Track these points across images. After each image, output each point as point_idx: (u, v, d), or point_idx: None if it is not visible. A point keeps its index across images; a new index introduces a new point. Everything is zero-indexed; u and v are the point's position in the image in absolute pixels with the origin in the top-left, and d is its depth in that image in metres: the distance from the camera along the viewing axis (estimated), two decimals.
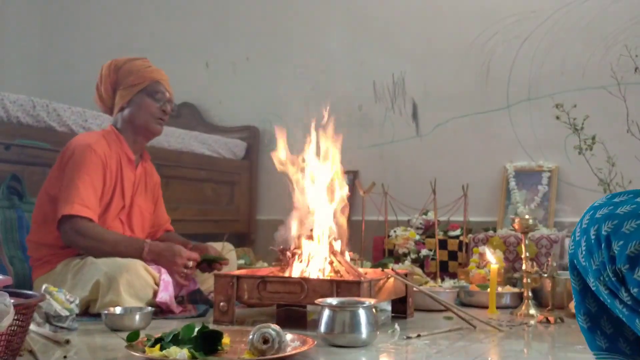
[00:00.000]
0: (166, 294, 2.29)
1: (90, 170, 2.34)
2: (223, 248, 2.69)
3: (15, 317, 1.33)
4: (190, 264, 2.37)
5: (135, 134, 2.55)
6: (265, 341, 1.54)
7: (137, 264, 2.27)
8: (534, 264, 3.00)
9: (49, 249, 2.39)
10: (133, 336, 1.66)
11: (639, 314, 0.98)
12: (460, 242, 3.35)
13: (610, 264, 0.98)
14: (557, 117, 3.04)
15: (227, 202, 4.08)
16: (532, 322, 2.30)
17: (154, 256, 2.33)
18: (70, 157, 2.36)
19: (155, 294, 2.28)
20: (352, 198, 3.95)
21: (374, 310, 1.86)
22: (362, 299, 1.90)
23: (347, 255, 2.31)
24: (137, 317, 2.01)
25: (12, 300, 1.31)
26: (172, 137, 3.68)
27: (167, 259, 2.33)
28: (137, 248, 2.33)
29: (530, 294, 2.49)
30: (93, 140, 2.43)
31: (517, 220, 2.52)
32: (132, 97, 2.52)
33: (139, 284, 2.24)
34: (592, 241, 1.01)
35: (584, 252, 1.03)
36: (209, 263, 2.52)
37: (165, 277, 2.32)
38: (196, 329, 1.61)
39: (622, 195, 1.03)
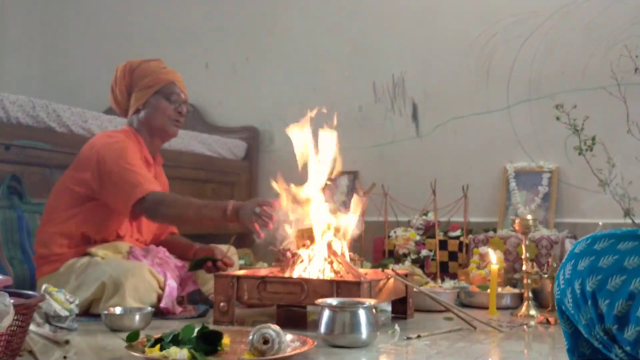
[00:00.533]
0: (169, 300, 2.28)
1: (134, 158, 2.36)
2: (228, 250, 2.69)
3: (15, 318, 1.33)
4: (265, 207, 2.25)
5: (152, 135, 2.54)
6: (265, 341, 1.53)
7: (143, 268, 2.26)
8: (534, 264, 3.00)
9: (57, 243, 2.35)
10: (133, 336, 1.66)
11: None
12: (461, 243, 3.35)
13: (599, 322, 0.97)
14: (558, 118, 3.04)
15: None
16: (532, 323, 2.30)
17: (234, 213, 2.23)
18: (106, 154, 2.35)
19: (159, 298, 2.27)
20: (351, 199, 3.94)
21: (374, 310, 1.86)
22: (362, 300, 1.90)
23: (347, 256, 2.30)
24: (137, 317, 2.01)
25: (12, 301, 1.31)
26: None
27: (248, 210, 2.21)
28: (221, 208, 2.26)
29: (530, 294, 2.49)
30: (122, 136, 2.45)
31: (517, 220, 2.52)
32: (147, 99, 2.51)
33: (144, 287, 2.23)
34: (578, 295, 0.99)
35: (571, 304, 1.01)
36: (214, 263, 2.50)
37: (171, 282, 2.31)
38: (196, 330, 1.61)
39: (603, 240, 1.01)
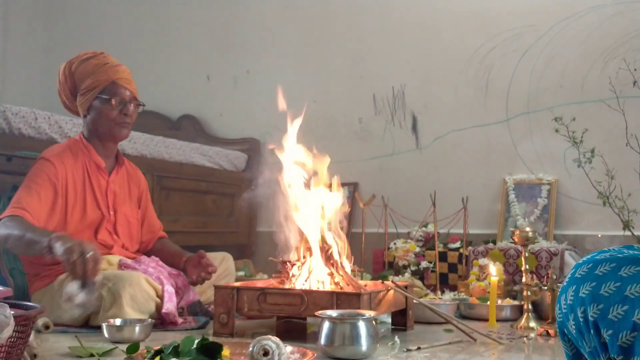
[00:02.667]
0: (171, 305, 2.28)
1: (38, 180, 2.28)
2: (223, 259, 2.70)
3: (15, 329, 1.33)
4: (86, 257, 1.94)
5: (101, 140, 2.48)
6: (265, 353, 1.54)
7: (140, 277, 2.25)
8: (534, 276, 3.00)
9: (42, 265, 2.33)
10: (133, 348, 1.66)
11: None
12: (460, 255, 3.35)
13: (603, 352, 0.96)
14: (556, 130, 3.04)
15: (228, 213, 4.09)
16: (532, 335, 2.30)
17: (55, 244, 1.97)
18: (33, 165, 2.35)
19: (157, 306, 2.27)
20: (352, 210, 3.95)
21: (374, 322, 1.86)
22: (362, 311, 1.90)
23: (348, 267, 2.31)
24: (137, 328, 2.01)
25: (12, 312, 1.31)
26: (172, 149, 3.69)
27: (70, 246, 1.94)
28: (45, 235, 2.03)
29: (530, 306, 2.49)
30: (55, 152, 2.38)
31: (517, 232, 2.53)
32: (90, 104, 2.43)
33: (142, 297, 2.23)
34: (581, 323, 0.98)
35: (574, 329, 1.01)
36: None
37: (169, 287, 2.30)
38: (196, 341, 1.61)
39: (605, 265, 0.99)
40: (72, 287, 1.92)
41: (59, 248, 1.95)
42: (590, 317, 0.96)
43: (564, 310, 1.03)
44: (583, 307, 0.98)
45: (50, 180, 2.32)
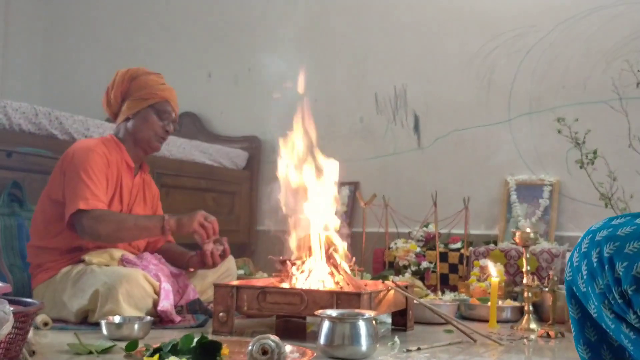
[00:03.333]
0: (167, 302, 2.28)
1: (95, 168, 2.36)
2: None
3: (14, 325, 1.33)
4: (210, 219, 2.42)
5: (136, 146, 2.56)
6: (265, 352, 1.53)
7: (138, 274, 2.26)
8: (535, 277, 2.99)
9: (50, 255, 2.37)
10: (132, 346, 1.65)
11: None
12: (461, 255, 3.34)
13: (616, 285, 0.96)
14: (559, 131, 3.04)
15: (228, 212, 4.08)
16: (532, 336, 2.29)
17: (174, 222, 2.36)
18: (71, 160, 2.37)
19: (154, 303, 2.27)
20: (352, 209, 3.95)
21: (374, 322, 1.85)
22: (362, 311, 1.90)
23: (347, 267, 2.30)
24: (136, 326, 2.00)
25: (11, 308, 1.31)
26: (173, 147, 3.69)
27: (192, 217, 2.39)
28: (158, 218, 2.39)
29: (531, 308, 2.48)
30: (93, 143, 2.46)
31: (518, 233, 2.52)
32: (139, 110, 2.53)
33: (139, 293, 2.23)
34: (595, 264, 0.99)
35: (585, 277, 1.01)
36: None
37: (166, 285, 2.31)
38: (195, 339, 1.61)
39: (620, 218, 1.02)
40: (209, 245, 2.44)
41: (186, 223, 2.38)
42: (606, 254, 0.97)
43: (575, 264, 1.03)
44: (598, 248, 0.99)
45: (105, 169, 2.41)
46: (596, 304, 1.01)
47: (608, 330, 1.02)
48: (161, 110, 2.55)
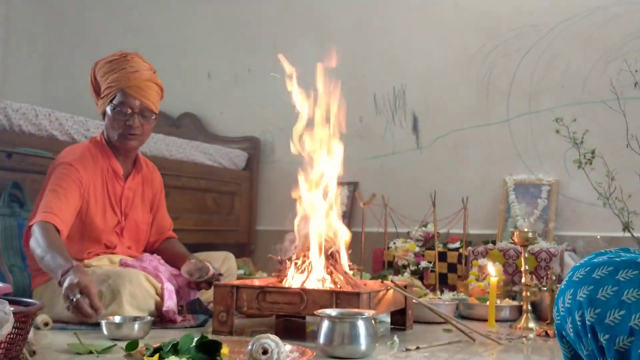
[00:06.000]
0: (171, 302, 2.28)
1: (64, 184, 2.25)
2: (225, 259, 2.70)
3: (15, 325, 1.33)
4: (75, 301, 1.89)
5: (114, 147, 2.45)
6: (265, 352, 1.54)
7: (140, 275, 2.25)
8: (533, 277, 3.00)
9: None
10: (132, 345, 1.66)
11: None
12: (460, 255, 3.35)
13: (601, 355, 0.96)
14: (557, 131, 3.05)
15: (228, 212, 4.09)
16: (531, 335, 2.30)
17: (64, 280, 1.94)
18: (52, 172, 2.32)
19: (156, 304, 2.27)
20: (352, 209, 3.95)
21: (373, 321, 1.86)
22: (362, 311, 1.90)
23: (347, 267, 2.31)
24: (136, 326, 2.01)
25: (11, 308, 1.31)
26: (173, 147, 3.70)
27: (68, 286, 1.91)
28: (60, 266, 1.99)
29: (529, 307, 2.49)
30: (77, 156, 2.34)
31: (516, 233, 2.53)
32: (104, 110, 2.40)
33: (141, 294, 2.22)
34: (579, 326, 0.99)
35: (572, 332, 1.01)
36: (208, 283, 2.41)
37: (168, 285, 2.30)
38: (195, 339, 1.61)
39: (602, 268, 0.99)
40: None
41: (63, 285, 1.93)
42: (587, 321, 0.96)
43: (562, 313, 1.03)
44: (581, 311, 0.98)
45: (76, 184, 2.29)
46: None
47: None
48: (117, 105, 2.34)
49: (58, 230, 2.16)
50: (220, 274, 2.40)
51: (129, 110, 2.37)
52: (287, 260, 2.29)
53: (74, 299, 1.86)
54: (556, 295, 1.06)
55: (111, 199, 2.44)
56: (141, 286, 2.23)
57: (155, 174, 2.64)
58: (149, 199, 2.60)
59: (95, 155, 2.41)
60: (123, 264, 2.38)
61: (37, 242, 2.09)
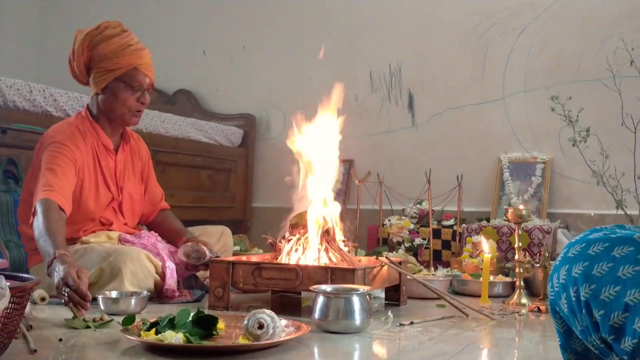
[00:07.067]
0: (173, 281, 2.29)
1: (60, 162, 2.23)
2: (222, 234, 2.71)
3: (11, 300, 1.34)
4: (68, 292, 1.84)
5: (111, 122, 2.43)
6: (260, 326, 1.55)
7: (141, 253, 2.25)
8: (526, 254, 3.03)
9: None
10: (129, 320, 1.67)
11: None
12: (454, 232, 3.37)
13: (595, 331, 0.97)
14: (552, 109, 3.05)
15: (223, 189, 4.09)
16: (523, 311, 2.32)
17: (52, 273, 1.93)
18: (44, 152, 2.28)
19: (156, 283, 2.27)
20: (347, 187, 3.96)
21: (367, 297, 1.88)
22: (356, 287, 1.92)
23: (342, 243, 2.32)
24: (133, 301, 2.02)
25: (8, 284, 1.32)
26: (168, 124, 3.69)
27: (60, 274, 1.87)
28: (50, 252, 1.98)
29: (522, 283, 2.52)
30: (67, 135, 2.31)
31: (510, 210, 2.54)
32: (107, 84, 2.35)
33: (142, 273, 2.23)
34: (573, 302, 0.99)
35: (566, 308, 1.02)
36: (205, 265, 2.40)
37: (170, 264, 2.31)
38: (192, 314, 1.62)
39: (598, 245, 0.99)
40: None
41: (53, 275, 1.91)
42: (582, 297, 0.97)
43: (556, 289, 1.03)
44: (575, 287, 0.98)
45: (72, 162, 2.27)
46: (581, 336, 1.02)
47: None
48: (131, 81, 2.34)
49: (62, 209, 2.14)
50: (217, 256, 2.40)
51: (142, 88, 2.37)
52: (280, 240, 2.29)
53: (66, 295, 1.83)
54: (551, 272, 1.06)
55: (105, 174, 2.42)
56: (142, 265, 2.23)
57: (141, 144, 2.63)
58: (139, 169, 2.59)
59: (83, 132, 2.39)
60: (123, 240, 2.38)
61: (37, 223, 2.08)
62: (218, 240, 2.65)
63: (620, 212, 3.08)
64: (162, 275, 2.28)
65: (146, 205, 2.63)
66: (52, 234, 2.04)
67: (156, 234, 2.50)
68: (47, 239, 2.02)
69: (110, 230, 2.43)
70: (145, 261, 2.24)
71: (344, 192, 3.95)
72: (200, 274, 2.55)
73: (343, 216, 2.38)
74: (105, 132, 2.43)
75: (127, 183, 2.50)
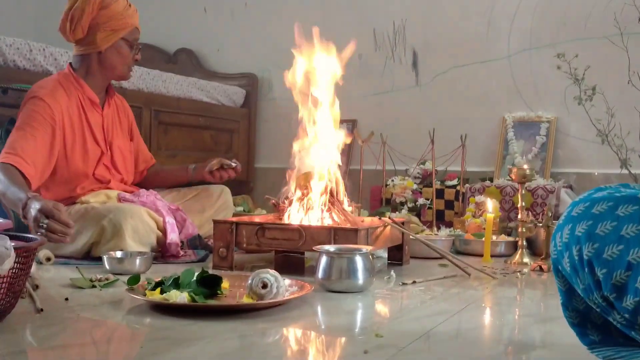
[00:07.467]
0: (174, 235, 2.32)
1: (33, 123, 2.24)
2: (221, 193, 2.73)
3: (16, 260, 1.35)
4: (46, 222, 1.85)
5: (105, 77, 2.49)
6: (264, 286, 1.56)
7: (141, 210, 2.28)
8: (530, 213, 3.03)
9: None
10: (134, 280, 1.69)
11: (634, 329, 0.97)
12: (457, 192, 3.37)
13: (597, 289, 0.97)
14: (558, 67, 3.02)
15: (226, 149, 4.08)
16: (525, 270, 2.34)
17: (27, 213, 1.93)
18: (22, 108, 2.30)
19: (158, 239, 2.30)
20: (350, 147, 3.96)
21: (370, 257, 1.89)
22: (359, 246, 1.93)
23: (345, 203, 2.32)
24: (138, 261, 2.04)
25: (12, 244, 1.33)
26: (170, 83, 3.66)
27: (34, 214, 1.88)
28: (22, 198, 1.97)
29: (524, 243, 2.53)
30: (48, 90, 2.33)
31: (514, 170, 2.54)
32: (112, 43, 2.44)
33: (143, 229, 2.26)
34: (576, 260, 0.99)
35: (568, 267, 1.02)
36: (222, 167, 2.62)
37: (170, 219, 2.34)
38: (196, 274, 1.64)
39: (602, 204, 0.99)
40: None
41: (27, 217, 1.91)
42: (585, 256, 0.97)
43: (559, 248, 1.03)
44: (578, 246, 0.98)
45: (46, 121, 2.28)
46: (583, 294, 1.02)
47: None
48: (132, 40, 2.48)
49: (22, 174, 2.13)
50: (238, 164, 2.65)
51: (138, 46, 2.51)
52: (284, 201, 2.30)
53: (44, 225, 1.83)
54: (554, 230, 1.07)
55: (92, 129, 2.45)
56: (143, 221, 2.26)
57: (126, 104, 2.69)
58: (126, 126, 2.64)
59: (67, 87, 2.41)
60: (122, 198, 2.40)
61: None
62: (217, 199, 2.69)
63: (625, 171, 3.07)
64: (164, 231, 2.32)
65: (140, 164, 2.69)
66: (19, 185, 2.05)
67: (155, 192, 2.52)
68: (15, 189, 2.01)
69: (109, 188, 2.45)
70: (145, 217, 2.27)
71: (347, 152, 3.94)
72: (204, 232, 2.57)
73: (346, 176, 2.37)
74: (91, 87, 2.47)
75: (116, 139, 2.54)
